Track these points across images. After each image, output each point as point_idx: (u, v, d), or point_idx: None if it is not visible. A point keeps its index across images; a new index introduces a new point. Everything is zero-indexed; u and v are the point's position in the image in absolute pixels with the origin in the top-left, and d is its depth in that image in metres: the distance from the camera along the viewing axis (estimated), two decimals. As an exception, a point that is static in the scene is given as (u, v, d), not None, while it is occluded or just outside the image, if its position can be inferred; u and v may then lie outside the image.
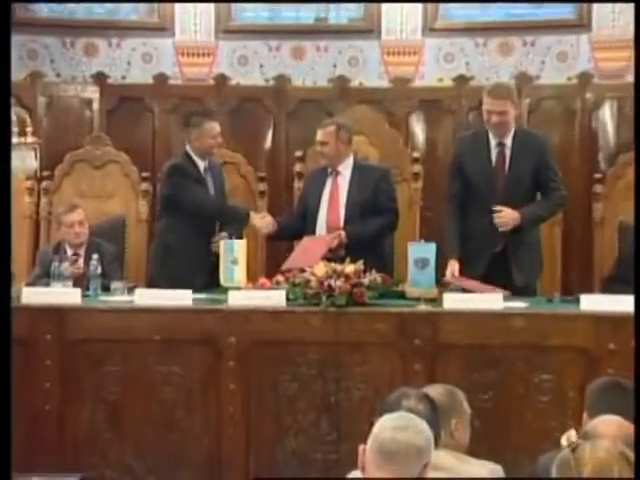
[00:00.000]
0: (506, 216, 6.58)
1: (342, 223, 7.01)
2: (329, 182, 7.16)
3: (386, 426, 3.16)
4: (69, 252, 7.17)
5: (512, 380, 5.86)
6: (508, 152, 6.75)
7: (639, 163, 5.82)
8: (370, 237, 6.93)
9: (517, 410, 5.85)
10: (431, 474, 3.53)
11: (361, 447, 3.21)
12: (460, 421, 4.32)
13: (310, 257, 6.55)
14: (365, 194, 7.06)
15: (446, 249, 6.69)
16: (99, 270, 6.66)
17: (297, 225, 7.26)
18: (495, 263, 6.67)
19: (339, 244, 6.80)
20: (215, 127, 7.36)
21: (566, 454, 3.13)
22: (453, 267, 6.64)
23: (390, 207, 7.16)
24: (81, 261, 7.05)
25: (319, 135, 7.16)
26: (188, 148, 7.32)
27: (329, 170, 7.18)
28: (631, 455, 3.07)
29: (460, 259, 6.67)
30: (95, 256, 6.80)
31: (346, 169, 7.15)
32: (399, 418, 3.21)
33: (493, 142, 6.77)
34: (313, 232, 7.10)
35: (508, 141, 6.76)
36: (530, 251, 6.77)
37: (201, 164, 7.32)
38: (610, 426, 3.76)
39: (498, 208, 6.59)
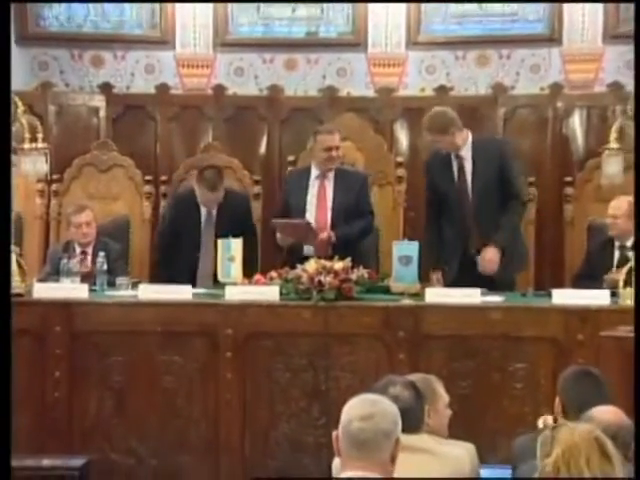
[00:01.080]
0: (487, 265, 6.59)
1: (329, 224, 6.98)
2: (316, 185, 7.10)
3: (353, 417, 3.13)
4: (77, 250, 7.15)
5: (489, 368, 5.86)
6: (468, 164, 6.76)
7: (639, 163, 5.82)
8: (355, 238, 6.92)
9: (494, 396, 5.85)
10: (411, 456, 3.54)
11: (334, 433, 3.20)
12: (433, 408, 4.30)
13: (300, 236, 6.74)
14: (349, 198, 7.03)
15: (426, 262, 6.70)
16: (105, 267, 6.65)
17: None
18: (467, 264, 6.68)
19: (328, 242, 6.78)
20: (203, 194, 7.28)
21: (547, 433, 3.14)
22: (437, 275, 6.73)
23: (369, 210, 7.17)
24: (89, 259, 7.02)
25: (332, 140, 7.05)
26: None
27: (316, 173, 7.13)
28: (607, 444, 3.06)
29: (440, 267, 6.76)
30: (102, 254, 6.78)
31: (331, 173, 7.13)
32: (363, 406, 3.16)
33: (452, 156, 6.78)
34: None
35: (467, 153, 6.76)
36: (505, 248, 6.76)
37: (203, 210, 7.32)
38: (606, 414, 3.77)
39: (480, 258, 6.60)
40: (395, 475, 3.18)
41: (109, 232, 7.51)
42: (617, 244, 6.82)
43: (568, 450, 3.04)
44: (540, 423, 4.42)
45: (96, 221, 7.31)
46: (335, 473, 3.89)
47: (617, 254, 6.78)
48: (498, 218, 6.65)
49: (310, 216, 7.01)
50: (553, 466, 3.03)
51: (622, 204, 6.76)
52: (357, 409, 3.16)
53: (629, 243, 6.66)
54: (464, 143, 6.74)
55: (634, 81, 5.87)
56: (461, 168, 6.75)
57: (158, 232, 7.68)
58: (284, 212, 7.17)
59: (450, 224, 6.78)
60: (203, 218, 7.30)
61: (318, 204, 7.07)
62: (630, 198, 6.66)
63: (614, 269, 6.51)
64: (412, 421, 3.60)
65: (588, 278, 6.64)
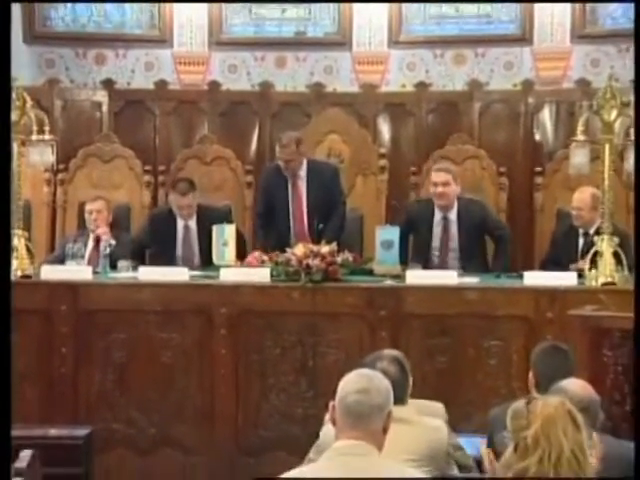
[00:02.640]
0: None
1: (307, 223, 6.96)
2: (290, 187, 7.05)
3: (350, 390, 3.14)
4: (91, 236, 7.13)
5: (465, 345, 5.87)
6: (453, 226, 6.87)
7: (639, 162, 5.82)
8: (339, 233, 6.89)
9: (469, 371, 5.86)
10: (398, 427, 3.55)
11: (331, 404, 3.20)
12: None
13: None
14: (322, 194, 6.99)
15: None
16: (108, 251, 6.64)
17: (271, 219, 7.18)
18: None
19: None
20: (175, 199, 7.12)
21: (520, 406, 3.14)
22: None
23: (341, 201, 7.16)
24: (101, 245, 6.90)
25: (283, 153, 6.98)
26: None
27: (288, 175, 7.06)
28: (577, 415, 3.07)
29: None
30: (105, 237, 6.78)
31: (303, 170, 7.09)
32: (359, 380, 3.16)
33: (438, 216, 6.88)
34: (287, 239, 6.84)
35: (452, 215, 6.87)
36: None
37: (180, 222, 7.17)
38: (575, 385, 3.78)
39: None
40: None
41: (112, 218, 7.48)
42: (581, 232, 6.81)
43: (546, 422, 3.04)
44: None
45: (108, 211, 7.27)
46: (323, 439, 3.90)
47: (581, 241, 6.78)
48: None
49: (291, 223, 7.02)
50: (533, 438, 3.03)
51: (585, 197, 6.74)
52: (354, 384, 3.16)
53: (592, 231, 6.66)
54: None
55: (634, 80, 5.86)
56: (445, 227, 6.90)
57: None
58: (267, 214, 7.15)
59: None
60: (180, 233, 7.15)
61: (294, 205, 7.04)
62: (593, 190, 6.65)
63: (580, 260, 6.49)
64: (396, 394, 3.60)
65: (554, 264, 6.64)
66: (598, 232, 6.19)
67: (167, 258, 6.91)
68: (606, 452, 3.35)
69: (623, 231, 6.33)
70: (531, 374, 4.29)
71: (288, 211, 7.04)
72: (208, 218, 6.94)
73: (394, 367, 4.04)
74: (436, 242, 6.86)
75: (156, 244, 7.07)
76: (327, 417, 3.34)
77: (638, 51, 5.83)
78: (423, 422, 4.05)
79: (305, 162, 7.09)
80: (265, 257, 6.29)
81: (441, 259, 6.83)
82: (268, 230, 7.11)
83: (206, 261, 6.74)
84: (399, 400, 3.86)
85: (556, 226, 7.42)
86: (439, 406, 4.54)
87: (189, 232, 7.12)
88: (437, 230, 6.87)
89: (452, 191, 6.83)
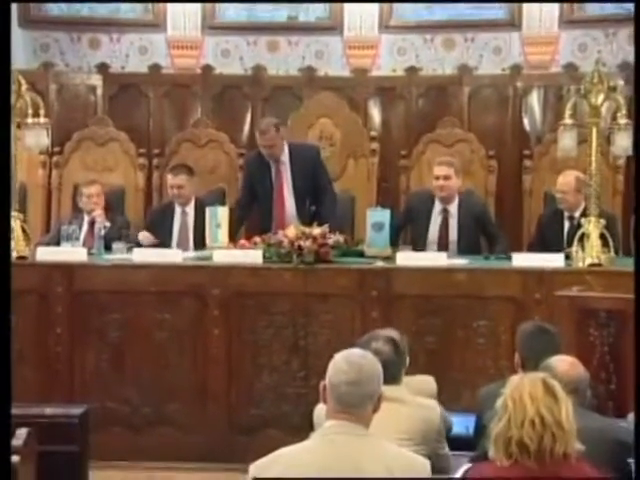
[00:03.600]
0: None
1: (294, 207, 6.94)
2: (273, 172, 7.00)
3: (341, 381, 3.10)
4: (86, 219, 7.12)
5: (454, 325, 5.88)
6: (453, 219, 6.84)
7: (639, 161, 5.82)
8: (336, 213, 6.88)
9: (458, 351, 5.87)
10: (392, 406, 3.56)
11: (322, 384, 3.19)
12: None
13: None
14: (307, 176, 6.95)
15: None
16: (102, 233, 6.63)
17: (249, 212, 7.16)
18: None
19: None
20: (170, 179, 7.14)
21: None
22: None
23: (327, 181, 7.12)
24: (96, 227, 6.88)
25: (263, 139, 6.93)
26: None
27: (271, 161, 7.01)
28: (555, 387, 3.09)
29: None
30: (100, 219, 6.78)
31: (285, 156, 7.04)
32: (350, 370, 3.12)
33: (438, 208, 6.85)
34: (269, 225, 6.84)
35: (453, 208, 6.85)
36: None
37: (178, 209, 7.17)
38: (564, 363, 3.79)
39: None
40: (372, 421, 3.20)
41: (106, 201, 7.46)
42: (566, 215, 6.80)
43: (515, 389, 3.08)
44: None
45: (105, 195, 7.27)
46: (317, 419, 3.91)
47: (567, 225, 6.77)
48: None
49: (275, 208, 6.98)
50: (502, 404, 3.08)
51: (569, 180, 6.73)
52: (345, 374, 3.12)
53: (577, 214, 6.66)
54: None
55: (634, 79, 5.85)
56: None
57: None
58: (250, 198, 7.12)
59: None
60: (177, 220, 7.15)
61: (276, 192, 7.01)
62: (577, 173, 6.66)
63: (565, 245, 6.51)
64: (390, 373, 3.61)
65: (540, 247, 6.63)
66: (584, 215, 6.19)
67: (164, 246, 6.89)
68: (591, 429, 3.36)
69: (609, 213, 6.33)
70: (517, 355, 4.30)
71: (271, 197, 7.00)
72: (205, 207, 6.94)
73: (388, 347, 4.03)
74: (434, 234, 6.83)
75: (156, 235, 7.03)
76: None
77: (638, 50, 5.81)
78: (416, 401, 4.06)
79: (286, 146, 7.04)
80: (258, 239, 6.28)
81: (439, 251, 6.80)
82: (245, 219, 7.12)
83: (199, 243, 6.74)
84: (393, 379, 3.87)
85: (543, 209, 7.42)
86: (429, 379, 4.55)
87: (186, 218, 7.11)
88: (436, 222, 6.85)
89: (453, 184, 6.82)
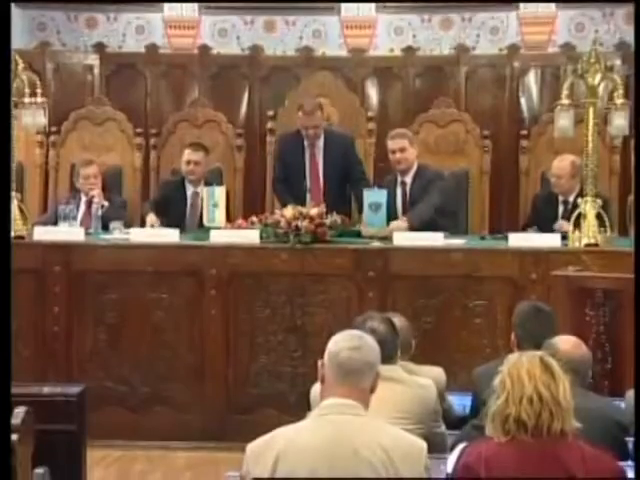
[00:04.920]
0: None
1: (322, 191, 6.93)
2: (307, 155, 7.03)
3: (343, 347, 3.14)
4: (83, 199, 7.10)
5: (451, 305, 5.89)
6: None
7: (639, 158, 5.81)
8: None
9: (455, 330, 5.88)
10: (388, 385, 3.56)
11: (320, 362, 3.20)
12: None
13: None
14: (339, 164, 6.94)
15: None
16: (100, 212, 6.63)
17: (289, 188, 7.09)
18: None
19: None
20: (188, 154, 7.12)
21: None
22: None
23: (363, 178, 7.12)
24: (93, 208, 6.87)
25: (311, 120, 6.95)
26: None
27: (305, 142, 7.02)
28: (553, 365, 3.09)
29: None
30: (97, 199, 6.77)
31: (320, 140, 7.05)
32: (351, 339, 3.18)
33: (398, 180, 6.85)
34: (302, 200, 6.68)
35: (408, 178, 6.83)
36: None
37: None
38: (567, 343, 3.80)
39: None
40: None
41: (103, 180, 7.44)
42: (561, 199, 6.79)
43: (513, 366, 3.09)
44: None
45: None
46: (314, 398, 3.91)
47: (561, 208, 6.76)
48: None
49: (307, 184, 6.95)
50: (500, 381, 3.09)
51: (565, 165, 6.70)
52: (346, 341, 3.16)
53: (571, 198, 6.65)
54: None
55: (634, 78, 5.83)
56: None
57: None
58: (285, 174, 7.12)
59: None
60: (189, 199, 7.13)
61: (311, 173, 7.01)
62: (573, 158, 6.65)
63: (561, 220, 6.51)
64: (386, 352, 3.61)
65: (534, 228, 6.62)
66: (578, 198, 6.19)
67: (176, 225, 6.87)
68: (590, 409, 3.37)
69: (603, 195, 6.32)
70: (513, 334, 4.30)
71: (305, 177, 6.99)
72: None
73: (384, 326, 4.03)
74: (399, 206, 6.81)
75: (166, 211, 7.00)
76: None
77: (638, 50, 5.79)
78: (412, 380, 4.06)
79: (322, 131, 7.06)
80: (255, 218, 6.27)
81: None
82: (287, 193, 6.99)
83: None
84: (388, 359, 3.87)
85: (539, 190, 7.41)
86: (439, 370, 4.55)
87: (197, 199, 7.09)
88: (399, 194, 6.84)
89: (410, 154, 6.80)
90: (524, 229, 6.78)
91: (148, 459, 5.83)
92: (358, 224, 6.47)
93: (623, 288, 4.82)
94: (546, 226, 6.49)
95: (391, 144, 6.82)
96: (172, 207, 7.03)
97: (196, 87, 9.14)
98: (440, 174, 6.91)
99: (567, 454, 3.01)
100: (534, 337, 4.03)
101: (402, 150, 6.75)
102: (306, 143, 7.04)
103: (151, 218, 6.77)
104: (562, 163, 6.73)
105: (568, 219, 6.12)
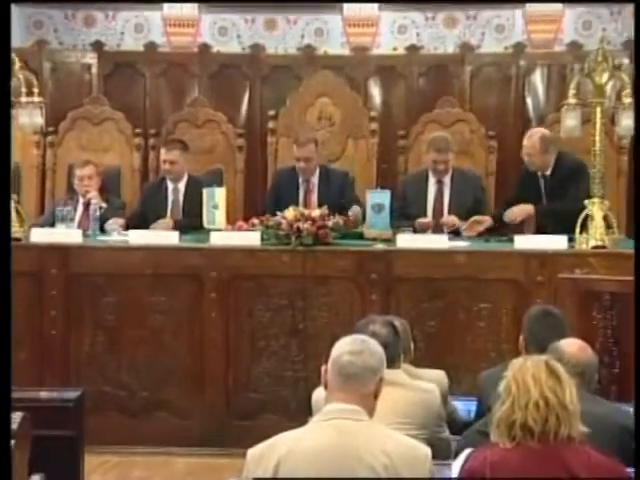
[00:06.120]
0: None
1: None
2: (302, 190, 7.02)
3: (344, 350, 3.15)
4: (81, 200, 7.10)
5: (455, 308, 5.89)
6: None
7: (639, 156, 5.81)
8: None
9: (459, 334, 5.88)
10: (390, 390, 3.56)
11: (323, 367, 3.20)
12: None
13: None
14: (333, 201, 6.76)
15: None
16: (97, 214, 6.64)
17: None
18: None
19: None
20: (163, 154, 7.15)
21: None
22: None
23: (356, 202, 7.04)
24: (91, 209, 6.87)
25: (302, 152, 6.96)
26: None
27: (300, 178, 7.04)
28: (559, 369, 3.10)
29: None
30: (95, 201, 6.77)
31: (315, 177, 7.06)
32: (354, 342, 3.18)
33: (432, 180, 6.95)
34: None
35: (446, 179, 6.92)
36: None
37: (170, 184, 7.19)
38: (572, 346, 3.80)
39: None
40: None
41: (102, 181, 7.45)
42: (539, 174, 6.77)
43: (518, 371, 3.10)
44: None
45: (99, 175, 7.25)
46: (315, 404, 3.91)
47: (542, 182, 6.75)
48: None
49: None
50: (505, 387, 3.09)
51: (534, 141, 6.68)
52: (348, 345, 3.17)
53: (548, 172, 6.66)
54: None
55: (633, 77, 5.84)
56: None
57: None
58: (276, 208, 7.05)
59: None
60: (169, 196, 7.15)
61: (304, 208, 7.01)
62: (541, 132, 6.72)
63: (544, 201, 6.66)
64: (389, 356, 3.62)
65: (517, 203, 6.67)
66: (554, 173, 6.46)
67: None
68: (596, 414, 3.37)
69: None
70: (522, 337, 4.30)
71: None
72: (198, 185, 6.94)
73: (386, 329, 4.03)
74: (435, 203, 6.88)
75: (148, 211, 7.04)
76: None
77: (638, 50, 5.80)
78: (415, 385, 4.07)
79: (318, 168, 7.07)
80: (256, 220, 6.28)
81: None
82: None
83: (195, 225, 6.73)
84: (391, 363, 3.86)
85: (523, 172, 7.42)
86: (440, 374, 4.56)
87: (177, 195, 7.12)
88: (432, 192, 6.89)
89: (451, 158, 6.88)
90: (507, 206, 6.78)
91: (147, 465, 5.83)
92: (361, 226, 6.46)
93: (631, 291, 4.82)
94: (529, 202, 6.60)
95: (436, 156, 6.85)
96: (154, 206, 7.05)
97: (196, 86, 9.15)
98: (477, 176, 7.17)
99: (573, 459, 3.01)
100: (540, 341, 4.03)
101: (446, 162, 6.84)
102: (301, 179, 7.05)
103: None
104: (531, 140, 6.72)
105: (551, 193, 6.25)
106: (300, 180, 7.06)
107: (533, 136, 6.75)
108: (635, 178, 5.78)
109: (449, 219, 6.71)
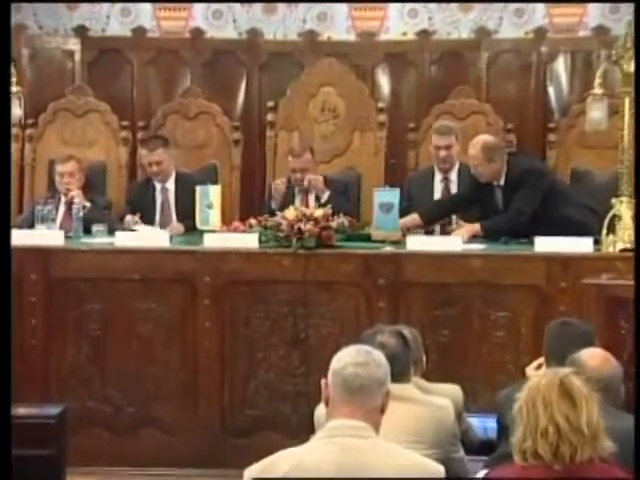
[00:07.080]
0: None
1: None
2: (297, 202, 7.04)
3: (347, 362, 3.15)
4: (63, 199, 7.12)
5: (470, 316, 5.89)
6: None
7: (639, 155, 5.81)
8: None
9: (474, 344, 5.88)
10: (400, 406, 3.57)
11: (323, 381, 3.21)
12: None
13: None
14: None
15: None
16: (80, 214, 6.65)
17: None
18: None
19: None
20: (147, 156, 7.23)
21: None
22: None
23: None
24: (74, 208, 6.90)
25: (298, 162, 7.10)
26: None
27: (296, 189, 7.14)
28: (573, 387, 3.11)
29: None
30: (77, 199, 6.78)
31: (326, 194, 7.11)
32: (358, 354, 3.19)
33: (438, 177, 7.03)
34: None
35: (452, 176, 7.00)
36: None
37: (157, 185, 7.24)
38: (594, 358, 3.80)
39: None
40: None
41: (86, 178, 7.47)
42: (495, 184, 6.63)
43: (529, 393, 3.12)
44: (528, 371, 4.48)
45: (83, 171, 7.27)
46: (317, 420, 3.92)
47: (499, 192, 6.62)
48: None
49: None
50: (518, 409, 3.12)
51: (476, 153, 6.55)
52: (351, 356, 3.17)
53: (502, 181, 6.56)
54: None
55: (634, 77, 5.84)
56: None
57: None
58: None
59: None
60: (158, 198, 7.23)
61: None
62: (484, 140, 6.59)
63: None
64: (398, 369, 3.63)
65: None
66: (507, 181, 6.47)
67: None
68: (619, 428, 3.38)
69: None
70: (544, 351, 4.32)
71: None
72: (187, 183, 6.96)
73: (395, 340, 4.04)
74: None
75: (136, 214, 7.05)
76: None
77: (638, 51, 5.81)
78: (427, 400, 4.07)
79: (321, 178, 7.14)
80: (253, 221, 6.29)
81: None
82: None
83: (188, 227, 6.75)
84: (400, 376, 3.88)
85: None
86: (455, 389, 4.57)
87: (167, 194, 7.14)
88: (438, 190, 6.92)
89: (455, 152, 6.89)
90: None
91: (134, 487, 5.86)
92: (367, 227, 6.47)
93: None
94: (488, 215, 6.59)
95: (437, 140, 6.90)
96: (143, 208, 7.09)
97: (188, 75, 9.17)
98: None
99: (596, 478, 3.03)
100: (559, 355, 4.04)
101: (448, 147, 6.85)
102: (297, 190, 7.07)
103: (130, 217, 6.85)
104: (474, 150, 6.59)
105: (505, 204, 6.38)
106: (296, 191, 7.12)
107: (476, 145, 6.59)
108: (635, 178, 5.78)
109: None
